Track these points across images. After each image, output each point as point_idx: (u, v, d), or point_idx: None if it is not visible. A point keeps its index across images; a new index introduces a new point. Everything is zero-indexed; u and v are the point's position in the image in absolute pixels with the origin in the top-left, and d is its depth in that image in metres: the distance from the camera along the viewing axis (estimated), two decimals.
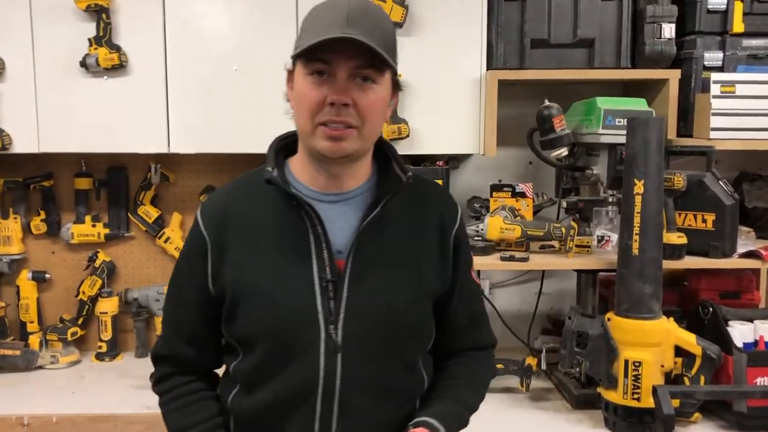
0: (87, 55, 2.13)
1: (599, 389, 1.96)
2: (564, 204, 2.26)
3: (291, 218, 1.24)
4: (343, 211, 1.27)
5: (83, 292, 2.52)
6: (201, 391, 1.34)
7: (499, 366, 2.15)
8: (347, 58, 1.15)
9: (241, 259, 1.24)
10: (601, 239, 2.14)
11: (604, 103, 2.10)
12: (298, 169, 1.30)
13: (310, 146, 1.22)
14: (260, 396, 1.25)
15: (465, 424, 1.35)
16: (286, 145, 1.34)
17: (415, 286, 1.28)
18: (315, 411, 1.22)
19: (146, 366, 2.26)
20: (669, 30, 2.17)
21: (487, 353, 1.48)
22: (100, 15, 2.12)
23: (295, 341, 1.21)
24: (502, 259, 2.08)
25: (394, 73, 1.24)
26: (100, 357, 2.48)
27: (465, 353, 1.42)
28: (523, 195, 2.25)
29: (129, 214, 2.54)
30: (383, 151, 1.33)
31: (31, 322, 2.50)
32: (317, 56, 1.15)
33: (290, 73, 1.25)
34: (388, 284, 1.25)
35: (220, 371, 1.40)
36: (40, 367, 2.39)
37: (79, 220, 2.51)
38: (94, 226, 2.51)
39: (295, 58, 1.19)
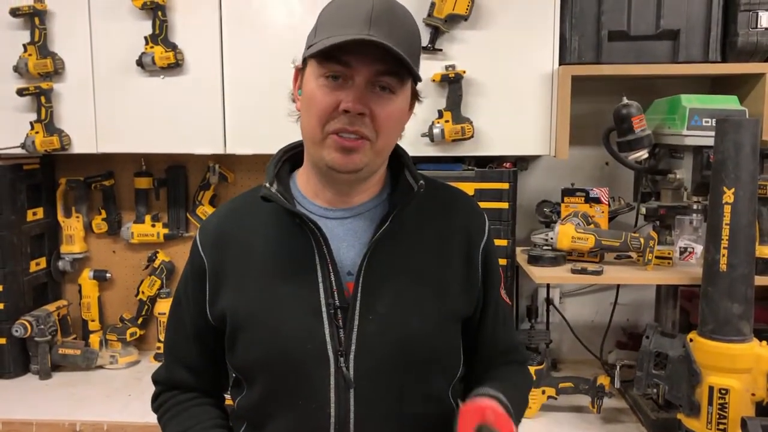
0: (143, 53, 2.09)
1: (679, 416, 1.79)
2: (643, 210, 2.08)
3: (294, 237, 1.11)
4: (352, 228, 1.14)
5: (143, 292, 2.51)
6: (198, 399, 1.25)
7: (568, 384, 2.01)
8: (369, 62, 1.02)
9: (240, 284, 1.13)
10: (683, 251, 1.96)
11: (689, 101, 1.91)
12: (303, 182, 1.18)
13: (317, 157, 1.09)
14: None
15: (520, 416, 1.21)
16: (293, 156, 1.22)
17: (436, 308, 1.13)
18: None
19: None
20: (767, 18, 1.95)
21: (524, 368, 1.36)
22: (156, 13, 2.07)
23: (301, 376, 1.08)
24: (573, 271, 1.92)
25: (416, 82, 1.12)
26: (158, 358, 2.46)
27: (499, 368, 1.29)
28: (597, 200, 2.08)
29: (188, 214, 2.51)
30: (398, 159, 1.19)
31: (92, 321, 2.51)
32: (335, 57, 1.03)
33: (299, 71, 1.13)
34: (405, 308, 1.11)
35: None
36: (100, 367, 2.39)
37: (139, 220, 2.49)
38: (153, 225, 2.49)
39: (309, 57, 1.07)
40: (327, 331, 1.08)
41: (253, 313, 1.11)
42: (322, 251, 1.10)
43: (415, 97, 1.15)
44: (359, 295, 1.09)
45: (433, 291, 1.13)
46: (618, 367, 2.07)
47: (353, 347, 1.08)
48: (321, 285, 1.09)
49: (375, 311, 1.09)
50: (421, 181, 1.13)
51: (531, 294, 2.44)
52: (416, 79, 1.09)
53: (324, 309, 1.08)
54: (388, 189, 1.19)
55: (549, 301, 2.38)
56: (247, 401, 1.17)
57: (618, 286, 2.36)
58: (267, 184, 1.13)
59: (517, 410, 1.17)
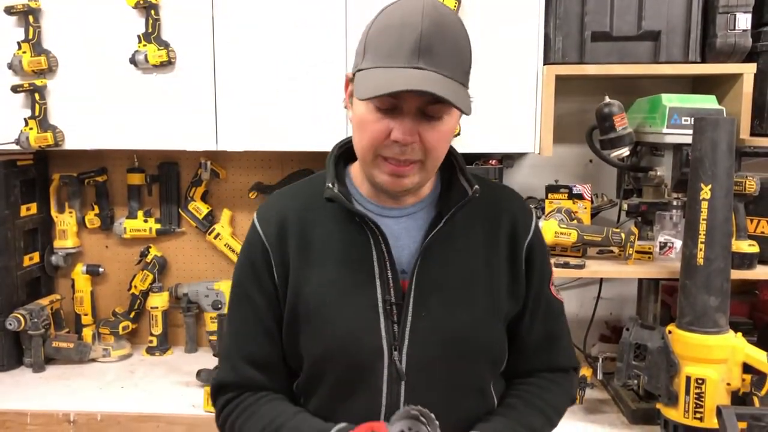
0: (136, 51, 2.13)
1: (658, 405, 1.84)
2: (625, 206, 2.13)
3: (354, 234, 1.15)
4: (406, 227, 1.18)
5: (135, 287, 2.55)
6: (271, 395, 1.20)
7: None
8: (418, 94, 1.03)
9: (301, 275, 1.16)
10: (663, 246, 2.01)
11: (669, 100, 1.97)
12: (359, 180, 1.22)
13: (369, 174, 1.14)
14: (323, 419, 1.17)
15: None
16: (347, 150, 1.24)
17: (484, 307, 1.17)
18: None
19: (195, 362, 2.30)
20: (744, 20, 2.00)
21: (565, 376, 1.32)
22: (149, 11, 2.11)
23: (357, 367, 1.14)
24: (556, 265, 1.97)
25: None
26: (150, 351, 2.51)
27: (538, 374, 1.29)
28: (580, 197, 2.13)
29: (180, 210, 2.54)
30: (449, 160, 1.22)
31: (85, 315, 2.54)
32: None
33: (349, 80, 1.14)
34: (455, 306, 1.15)
35: None
36: (93, 360, 2.43)
37: (132, 215, 2.53)
38: (146, 221, 2.52)
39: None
40: (383, 326, 1.13)
41: (312, 306, 1.15)
42: (380, 249, 1.14)
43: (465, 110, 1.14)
44: (413, 293, 1.14)
45: (481, 289, 1.17)
46: (600, 360, 2.13)
47: (406, 342, 1.13)
48: (378, 281, 1.14)
49: (427, 308, 1.14)
50: (476, 187, 1.17)
51: None
52: (464, 111, 1.07)
53: (380, 305, 1.13)
54: (438, 188, 1.22)
55: None
56: (304, 384, 1.20)
57: (601, 280, 2.41)
58: (329, 185, 1.15)
59: None
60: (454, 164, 1.22)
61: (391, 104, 1.06)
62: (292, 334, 1.18)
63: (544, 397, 1.26)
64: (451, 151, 1.22)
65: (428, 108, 1.06)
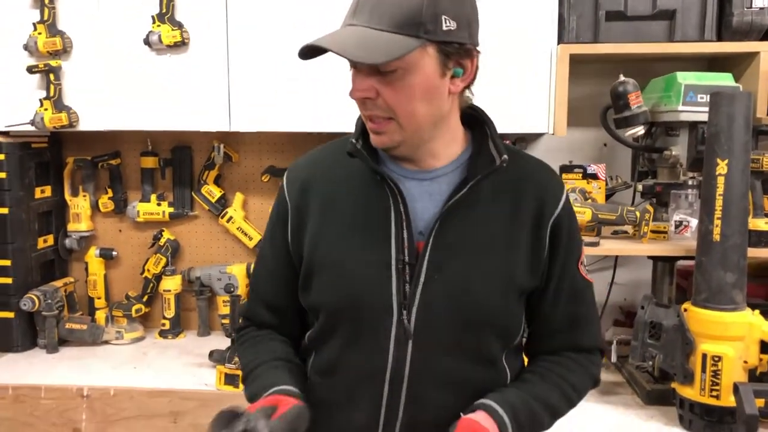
0: (150, 32, 2.13)
1: (674, 384, 1.83)
2: (640, 188, 2.12)
3: (374, 193, 1.16)
4: (428, 190, 1.17)
5: (148, 270, 2.55)
6: (270, 335, 1.30)
7: None
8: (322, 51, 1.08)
9: (320, 229, 1.19)
10: (679, 224, 1.99)
11: (685, 77, 1.95)
12: None
13: None
14: (330, 372, 1.20)
15: (541, 424, 1.19)
16: None
17: (499, 277, 1.15)
18: (382, 398, 1.15)
19: (208, 345, 2.30)
20: None
21: (590, 357, 1.28)
22: None
23: (366, 323, 1.15)
24: None
25: (444, 43, 1.07)
26: (163, 334, 2.51)
27: (560, 353, 1.26)
28: (594, 177, 2.12)
29: (193, 194, 2.55)
30: (482, 127, 1.21)
31: (99, 298, 2.55)
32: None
33: None
34: (469, 273, 1.14)
35: None
36: (106, 342, 2.44)
37: (145, 199, 2.54)
38: (159, 204, 2.53)
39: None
40: (394, 285, 1.13)
41: (327, 259, 1.17)
42: (398, 209, 1.15)
43: (458, 54, 1.10)
44: (428, 254, 1.14)
45: (498, 259, 1.16)
46: (615, 342, 2.11)
47: (416, 302, 1.13)
48: (393, 240, 1.14)
49: (440, 271, 1.14)
50: (505, 156, 1.14)
51: None
52: (434, 42, 1.05)
53: (393, 263, 1.14)
54: (468, 153, 1.21)
55: None
56: (315, 336, 1.23)
57: (615, 264, 2.39)
58: (353, 140, 1.17)
59: (531, 425, 1.17)
60: (486, 132, 1.20)
61: (350, 63, 1.09)
62: (307, 286, 1.20)
63: (562, 374, 1.24)
64: (484, 119, 1.21)
65: (380, 65, 1.06)
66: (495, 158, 1.15)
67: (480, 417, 1.10)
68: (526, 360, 1.32)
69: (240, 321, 1.37)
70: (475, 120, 1.22)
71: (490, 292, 1.15)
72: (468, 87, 1.18)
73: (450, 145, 1.19)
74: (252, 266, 1.36)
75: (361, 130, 1.19)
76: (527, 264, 1.18)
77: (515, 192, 1.19)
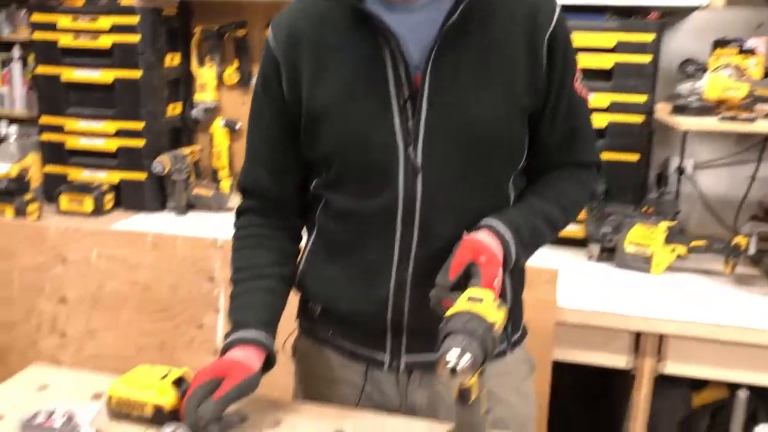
0: None
1: None
2: None
3: (362, 34, 1.12)
4: (417, 21, 1.12)
5: None
6: (266, 233, 1.27)
7: (701, 243, 1.95)
8: None
9: (314, 79, 1.15)
10: None
11: None
12: None
13: None
14: (342, 218, 1.19)
15: (543, 238, 1.19)
16: None
17: (500, 98, 1.12)
18: (395, 235, 1.14)
19: None
20: None
21: (587, 171, 1.27)
22: None
23: (372, 163, 1.13)
24: (723, 119, 1.82)
25: None
26: None
27: (559, 169, 1.24)
28: (752, 52, 1.95)
29: None
30: None
31: (222, 169, 2.61)
32: None
33: None
34: (471, 99, 1.11)
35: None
36: (230, 210, 2.50)
37: None
38: None
39: None
40: (397, 122, 1.11)
41: (327, 106, 1.14)
42: (390, 46, 1.11)
43: None
44: (427, 85, 1.11)
45: (498, 81, 1.13)
46: (755, 234, 2.00)
47: (421, 136, 1.11)
48: (391, 78, 1.11)
49: (442, 101, 1.11)
50: None
51: (663, 162, 2.35)
52: None
53: (394, 100, 1.11)
54: None
55: (681, 170, 2.30)
56: (323, 184, 1.21)
57: (760, 157, 2.24)
58: None
59: (533, 240, 1.17)
60: None
61: None
62: (310, 136, 1.18)
63: (562, 188, 1.23)
64: None
65: None
66: None
67: (483, 235, 1.10)
68: None
69: (242, 196, 1.31)
70: None
71: (494, 116, 1.12)
72: None
73: None
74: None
75: None
76: (527, 84, 1.14)
77: (507, 14, 1.13)
